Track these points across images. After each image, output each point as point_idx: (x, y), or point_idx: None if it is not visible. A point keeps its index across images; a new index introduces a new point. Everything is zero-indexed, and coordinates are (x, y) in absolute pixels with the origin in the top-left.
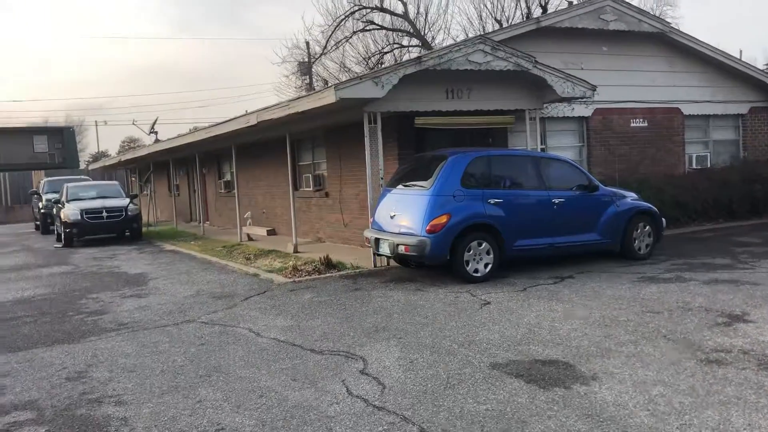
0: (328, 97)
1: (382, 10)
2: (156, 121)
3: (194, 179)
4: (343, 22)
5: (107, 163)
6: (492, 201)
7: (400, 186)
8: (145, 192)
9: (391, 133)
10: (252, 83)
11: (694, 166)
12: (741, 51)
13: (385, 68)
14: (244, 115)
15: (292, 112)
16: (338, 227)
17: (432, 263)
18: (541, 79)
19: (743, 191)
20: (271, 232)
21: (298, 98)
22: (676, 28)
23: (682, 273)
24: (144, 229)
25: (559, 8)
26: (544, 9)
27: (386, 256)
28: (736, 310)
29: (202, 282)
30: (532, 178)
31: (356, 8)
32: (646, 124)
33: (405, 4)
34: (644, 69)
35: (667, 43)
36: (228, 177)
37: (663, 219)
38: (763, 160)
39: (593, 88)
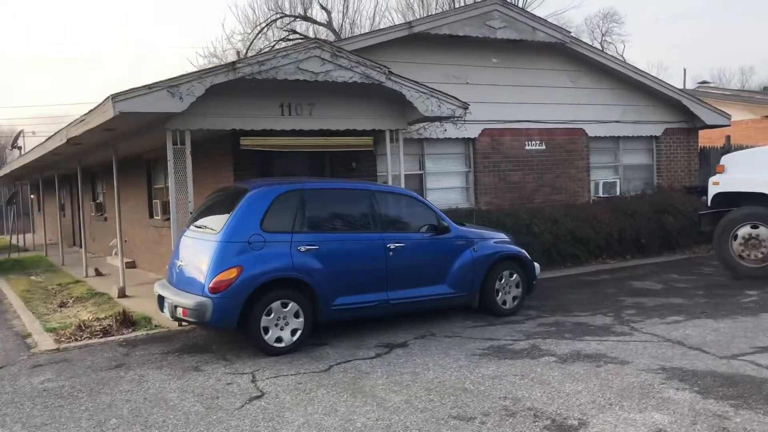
0: (107, 112)
1: (306, 18)
2: (20, 134)
3: (78, 199)
4: (264, 31)
5: None
6: (303, 248)
7: (192, 227)
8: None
9: (224, 155)
10: None
11: (600, 194)
12: (685, 70)
13: (187, 75)
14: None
15: (71, 136)
16: None
17: (219, 330)
18: (400, 95)
19: (654, 224)
20: (131, 265)
21: (82, 118)
22: (577, 37)
23: (543, 340)
24: (7, 256)
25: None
26: None
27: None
28: (573, 415)
29: None
30: (361, 218)
31: (278, 16)
32: (543, 147)
33: (329, 13)
34: (543, 85)
35: (571, 56)
36: (100, 198)
37: (536, 265)
38: (679, 187)
39: (464, 106)
